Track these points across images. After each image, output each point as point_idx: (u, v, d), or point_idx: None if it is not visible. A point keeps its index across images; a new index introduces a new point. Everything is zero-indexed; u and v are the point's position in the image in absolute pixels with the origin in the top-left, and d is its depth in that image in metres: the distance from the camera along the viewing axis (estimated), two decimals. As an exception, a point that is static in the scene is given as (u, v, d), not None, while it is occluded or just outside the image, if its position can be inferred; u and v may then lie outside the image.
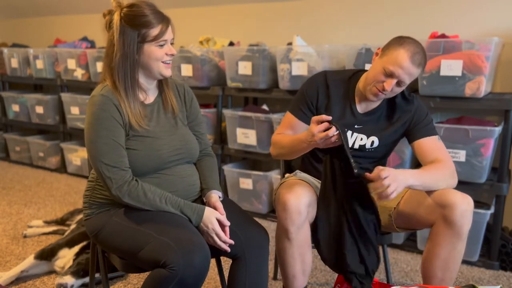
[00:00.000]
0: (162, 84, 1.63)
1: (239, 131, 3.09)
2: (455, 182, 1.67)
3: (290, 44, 2.98)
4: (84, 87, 4.22)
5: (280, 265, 1.71)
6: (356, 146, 1.76)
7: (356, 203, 1.66)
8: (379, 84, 1.65)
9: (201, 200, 1.63)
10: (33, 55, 4.28)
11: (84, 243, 2.22)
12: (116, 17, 1.48)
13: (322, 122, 1.52)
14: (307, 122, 1.81)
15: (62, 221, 2.83)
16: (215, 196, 1.60)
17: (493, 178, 2.42)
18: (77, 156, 4.07)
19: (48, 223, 2.85)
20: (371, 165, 1.76)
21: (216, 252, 1.52)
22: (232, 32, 3.64)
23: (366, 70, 1.78)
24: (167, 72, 1.56)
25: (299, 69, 2.80)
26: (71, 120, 4.11)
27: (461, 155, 2.33)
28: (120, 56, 1.48)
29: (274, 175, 3.02)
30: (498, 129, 2.28)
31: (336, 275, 2.17)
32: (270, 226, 2.95)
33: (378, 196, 1.50)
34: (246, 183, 3.10)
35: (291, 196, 1.59)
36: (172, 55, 1.55)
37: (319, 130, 1.51)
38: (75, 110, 4.04)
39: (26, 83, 4.77)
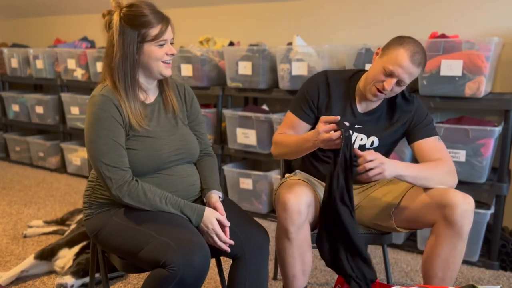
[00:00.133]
0: (162, 84, 1.63)
1: (239, 131, 3.09)
2: (454, 182, 1.67)
3: (290, 44, 2.98)
4: (84, 87, 4.22)
5: (280, 265, 1.71)
6: (356, 146, 1.76)
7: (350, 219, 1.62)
8: (379, 83, 1.66)
9: (201, 200, 1.63)
10: (33, 55, 4.27)
11: (84, 243, 2.22)
12: (115, 17, 1.48)
13: (331, 123, 1.52)
14: (308, 121, 1.81)
15: (62, 221, 2.83)
16: (215, 196, 1.60)
17: (493, 178, 2.42)
18: (77, 156, 4.07)
19: (48, 223, 2.85)
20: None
21: (216, 252, 1.52)
22: (232, 32, 3.63)
23: (367, 70, 1.78)
24: (167, 72, 1.56)
25: (299, 69, 2.80)
26: (71, 120, 4.11)
27: (461, 155, 2.33)
28: (120, 56, 1.48)
29: (274, 175, 3.02)
30: (498, 129, 2.28)
31: (336, 275, 2.17)
32: (270, 226, 2.95)
33: (359, 177, 1.52)
34: (246, 183, 3.10)
35: (291, 196, 1.58)
36: (172, 54, 1.55)
37: (325, 130, 1.51)
38: (75, 110, 4.04)
39: (26, 83, 4.77)
